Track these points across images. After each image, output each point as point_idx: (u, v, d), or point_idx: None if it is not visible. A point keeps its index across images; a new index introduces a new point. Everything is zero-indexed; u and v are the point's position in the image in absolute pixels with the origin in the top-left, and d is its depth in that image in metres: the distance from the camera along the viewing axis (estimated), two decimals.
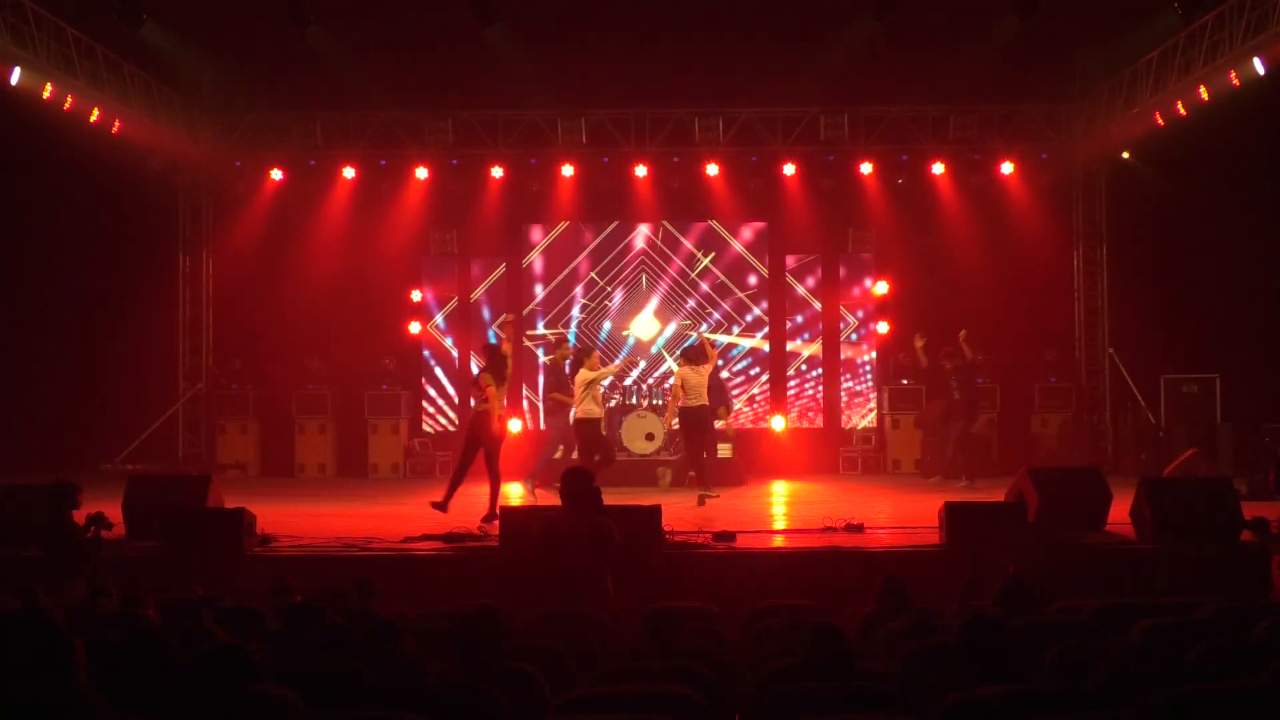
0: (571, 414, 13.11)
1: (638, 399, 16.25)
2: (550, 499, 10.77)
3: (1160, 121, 14.35)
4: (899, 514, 12.04)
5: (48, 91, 12.80)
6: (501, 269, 17.84)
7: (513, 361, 11.37)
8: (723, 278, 17.80)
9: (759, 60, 15.43)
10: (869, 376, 17.75)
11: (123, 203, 16.24)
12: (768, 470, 16.44)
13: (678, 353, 14.26)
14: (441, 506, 10.62)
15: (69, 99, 13.24)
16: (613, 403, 16.49)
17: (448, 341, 17.89)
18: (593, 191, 17.09)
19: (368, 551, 9.81)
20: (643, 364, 17.63)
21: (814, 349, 17.81)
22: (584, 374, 12.50)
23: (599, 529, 7.28)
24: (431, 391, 17.80)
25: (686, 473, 13.82)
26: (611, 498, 8.57)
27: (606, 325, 17.80)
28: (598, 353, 13.43)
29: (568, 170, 16.62)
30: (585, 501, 7.36)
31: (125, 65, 14.16)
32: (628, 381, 17.07)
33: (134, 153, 15.24)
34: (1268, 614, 5.89)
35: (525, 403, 17.51)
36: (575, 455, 13.03)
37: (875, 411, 17.51)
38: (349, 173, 16.65)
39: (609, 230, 17.78)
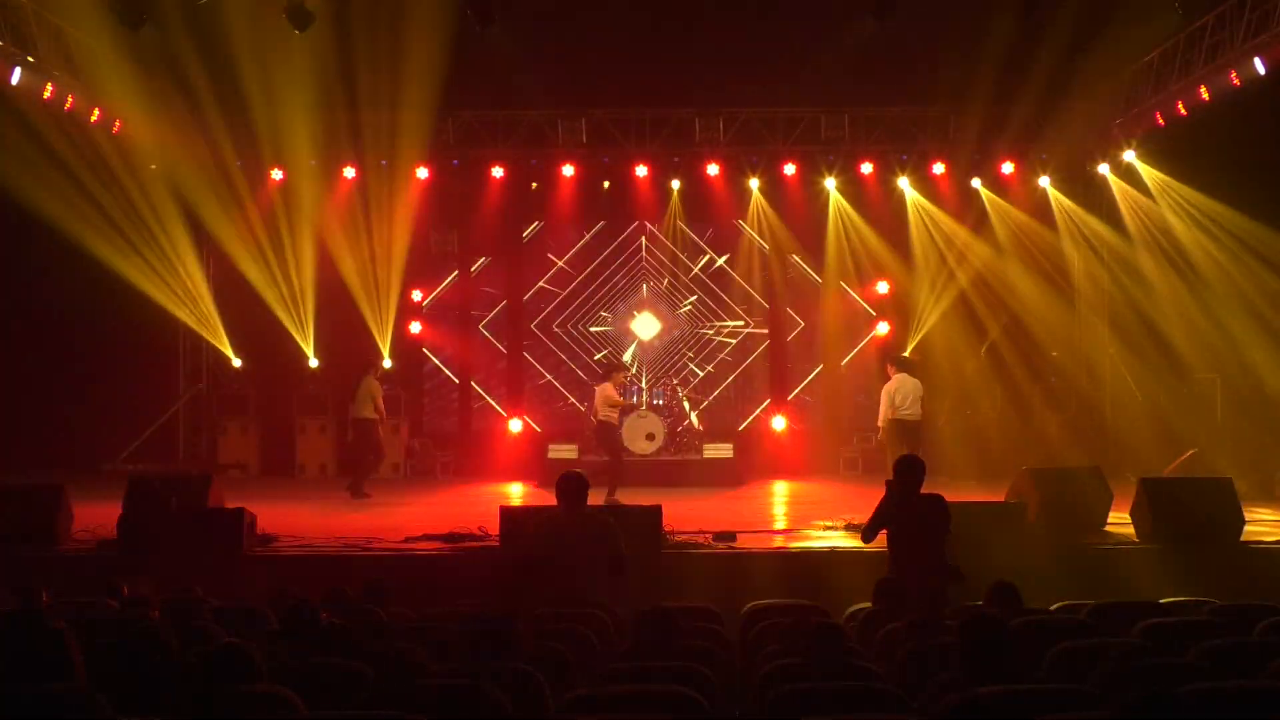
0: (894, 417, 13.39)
1: (637, 399, 16.23)
2: None
3: (1161, 121, 14.34)
4: None
5: (48, 91, 12.79)
6: (502, 269, 17.84)
7: None
8: (728, 271, 17.81)
9: (759, 60, 15.38)
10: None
11: (123, 202, 16.20)
12: (768, 470, 16.42)
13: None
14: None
15: (69, 99, 13.23)
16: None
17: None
18: (593, 191, 17.08)
19: (368, 551, 9.81)
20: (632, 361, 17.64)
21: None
22: (904, 379, 13.36)
23: (600, 528, 7.28)
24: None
25: None
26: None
27: (609, 325, 17.80)
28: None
29: (568, 170, 16.60)
30: (585, 501, 7.35)
31: (125, 65, 14.13)
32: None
33: (134, 152, 15.21)
34: (1267, 614, 5.91)
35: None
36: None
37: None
38: (349, 173, 16.64)
39: (609, 229, 17.76)
